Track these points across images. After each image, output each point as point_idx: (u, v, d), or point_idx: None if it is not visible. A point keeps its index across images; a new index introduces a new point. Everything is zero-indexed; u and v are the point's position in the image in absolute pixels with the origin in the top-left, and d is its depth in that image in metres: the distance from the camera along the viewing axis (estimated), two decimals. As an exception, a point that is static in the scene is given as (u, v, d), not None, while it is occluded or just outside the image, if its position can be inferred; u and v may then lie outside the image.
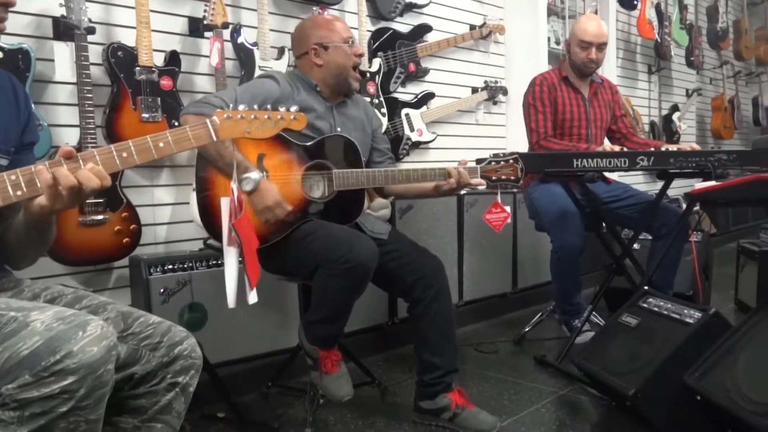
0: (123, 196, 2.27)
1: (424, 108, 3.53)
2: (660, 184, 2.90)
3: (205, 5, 2.51)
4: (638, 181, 5.08)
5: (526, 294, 3.73)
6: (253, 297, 1.62)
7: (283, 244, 2.00)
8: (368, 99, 3.13)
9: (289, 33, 2.91)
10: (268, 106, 1.41)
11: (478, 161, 2.20)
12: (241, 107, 1.35)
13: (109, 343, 1.11)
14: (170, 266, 2.32)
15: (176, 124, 2.36)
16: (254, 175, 1.82)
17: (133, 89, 2.29)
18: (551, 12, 4.59)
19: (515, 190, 2.74)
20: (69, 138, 2.26)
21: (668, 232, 2.79)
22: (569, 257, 2.85)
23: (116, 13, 2.41)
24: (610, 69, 4.88)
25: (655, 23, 5.17)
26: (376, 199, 2.77)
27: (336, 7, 3.11)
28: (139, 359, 1.29)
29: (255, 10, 2.69)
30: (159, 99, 2.34)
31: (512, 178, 2.10)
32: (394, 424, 2.22)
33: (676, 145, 3.03)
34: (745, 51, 6.73)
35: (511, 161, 2.10)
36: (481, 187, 2.14)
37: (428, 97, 3.56)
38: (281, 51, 2.82)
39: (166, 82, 2.37)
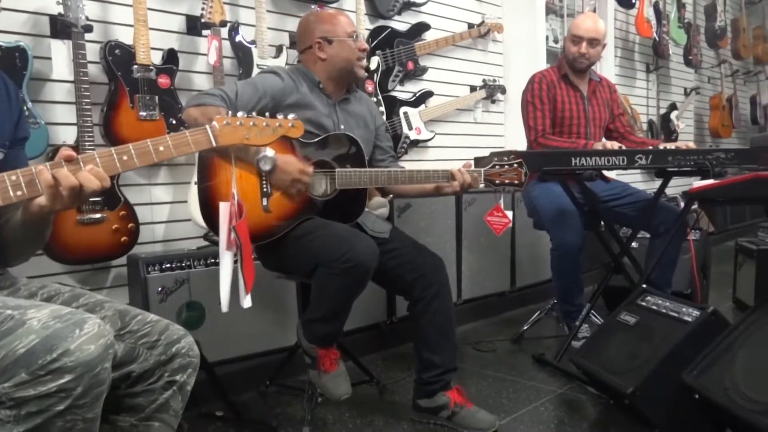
0: (121, 195, 2.27)
1: (423, 106, 3.53)
2: (658, 183, 2.91)
3: (203, 3, 2.50)
4: (636, 180, 5.09)
5: (524, 292, 3.73)
6: (247, 302, 1.61)
7: (283, 241, 1.99)
8: (367, 97, 3.13)
9: (287, 31, 2.91)
10: (267, 114, 1.42)
11: (477, 160, 2.19)
12: (240, 114, 1.35)
13: (106, 341, 1.10)
14: (168, 265, 2.31)
15: (174, 122, 2.36)
16: (269, 152, 1.81)
17: (130, 87, 2.28)
18: (549, 10, 4.59)
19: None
20: (66, 136, 2.26)
21: (666, 231, 2.79)
22: (569, 255, 2.85)
23: (113, 11, 2.41)
24: (608, 68, 4.89)
25: (654, 22, 5.17)
26: (374, 198, 2.77)
27: (334, 5, 3.10)
28: (137, 357, 1.29)
29: (253, 8, 2.69)
30: (156, 97, 2.33)
31: (516, 182, 2.08)
32: (393, 423, 2.22)
33: (673, 143, 3.03)
34: (743, 50, 6.74)
35: (515, 165, 2.08)
36: (481, 185, 2.13)
37: (426, 95, 3.56)
38: (279, 49, 2.82)
39: (163, 81, 2.37)
